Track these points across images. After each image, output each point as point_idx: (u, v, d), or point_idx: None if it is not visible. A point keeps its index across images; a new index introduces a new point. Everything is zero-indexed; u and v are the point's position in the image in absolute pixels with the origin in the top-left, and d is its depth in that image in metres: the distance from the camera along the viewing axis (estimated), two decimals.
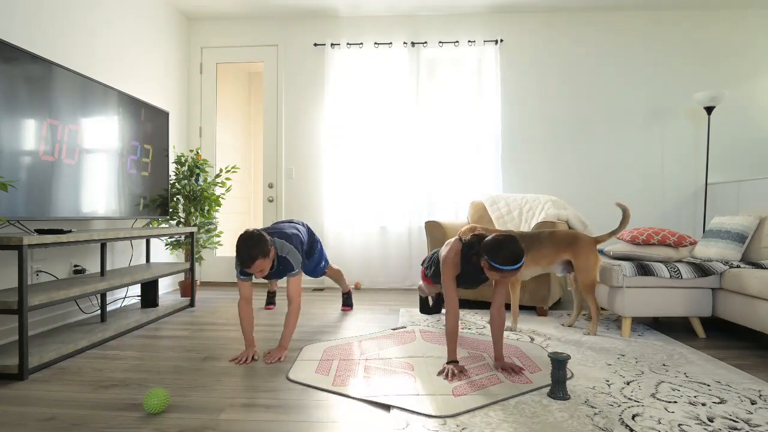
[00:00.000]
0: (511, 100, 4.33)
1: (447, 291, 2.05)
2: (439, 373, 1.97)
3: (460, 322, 2.93)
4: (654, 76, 4.25)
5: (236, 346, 2.42)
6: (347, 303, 3.35)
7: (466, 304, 3.53)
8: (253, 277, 2.26)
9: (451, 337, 2.01)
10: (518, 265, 1.86)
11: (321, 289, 4.24)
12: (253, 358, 2.19)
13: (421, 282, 2.92)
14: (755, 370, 2.09)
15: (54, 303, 2.10)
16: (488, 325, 2.84)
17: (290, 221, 2.81)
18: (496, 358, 2.05)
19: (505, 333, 2.67)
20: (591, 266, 2.60)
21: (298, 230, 2.54)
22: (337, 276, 3.25)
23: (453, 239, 2.16)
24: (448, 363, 1.99)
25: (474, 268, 2.06)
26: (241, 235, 2.12)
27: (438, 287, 2.77)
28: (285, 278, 2.34)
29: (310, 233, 2.87)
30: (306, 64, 4.43)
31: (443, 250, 2.15)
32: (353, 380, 1.91)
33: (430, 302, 3.18)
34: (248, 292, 2.27)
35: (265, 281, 4.54)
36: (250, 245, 2.07)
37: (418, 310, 3.31)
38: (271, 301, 3.41)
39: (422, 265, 2.64)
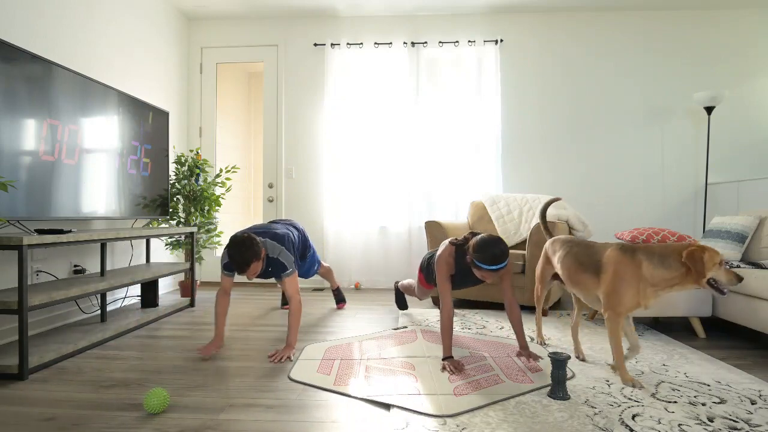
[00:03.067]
0: (511, 100, 4.33)
1: (441, 289, 2.11)
2: (443, 370, 2.01)
3: (460, 322, 2.94)
4: (654, 75, 4.25)
5: (236, 346, 2.42)
6: (340, 299, 3.38)
7: (467, 304, 3.53)
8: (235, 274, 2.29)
9: (446, 333, 2.06)
10: (500, 266, 1.93)
11: (321, 289, 4.23)
12: (214, 352, 2.24)
13: (413, 282, 2.93)
14: (755, 370, 2.09)
15: (54, 303, 2.10)
16: (487, 326, 2.84)
17: (286, 222, 2.81)
18: (521, 347, 2.11)
19: (502, 333, 2.67)
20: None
21: (290, 230, 2.54)
22: (328, 273, 3.29)
23: (445, 241, 2.22)
24: (444, 359, 2.04)
25: (469, 268, 2.13)
26: (232, 240, 2.13)
27: (434, 291, 2.76)
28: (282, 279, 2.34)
29: (304, 237, 2.87)
30: (306, 64, 4.43)
31: (439, 249, 2.22)
32: (354, 380, 1.91)
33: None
34: (229, 285, 2.32)
35: (266, 281, 4.54)
36: (242, 250, 2.09)
37: (418, 310, 3.31)
38: (341, 298, 3.40)
39: (421, 271, 2.64)
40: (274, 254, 2.29)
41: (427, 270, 2.58)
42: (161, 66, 3.98)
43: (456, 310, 3.28)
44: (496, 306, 3.43)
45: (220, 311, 2.30)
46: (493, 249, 1.92)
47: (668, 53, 4.24)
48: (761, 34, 4.19)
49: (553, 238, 2.31)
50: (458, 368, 1.99)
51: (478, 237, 2.00)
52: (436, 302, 3.51)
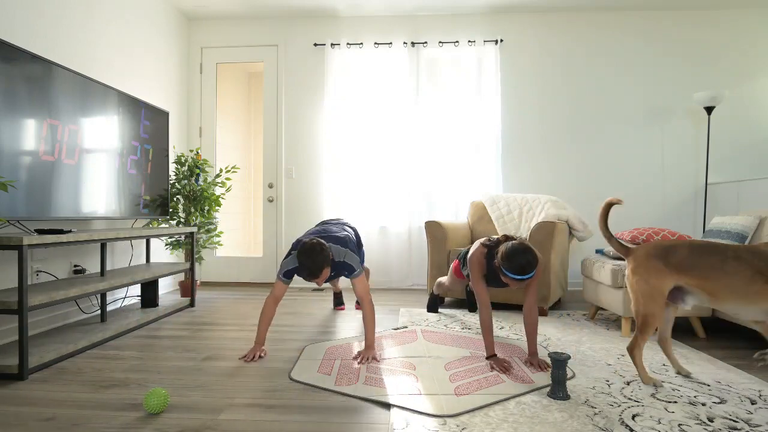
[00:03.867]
0: (511, 100, 4.33)
1: (476, 288, 2.13)
2: (491, 370, 2.01)
3: (460, 322, 2.94)
4: (654, 75, 4.25)
5: (236, 346, 2.42)
6: (340, 302, 3.37)
7: (467, 304, 3.53)
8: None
9: (487, 330, 2.07)
10: (526, 276, 1.91)
11: (321, 290, 4.24)
12: (260, 356, 2.21)
13: (444, 279, 2.95)
14: (755, 370, 2.09)
15: (54, 303, 2.10)
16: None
17: (336, 222, 2.76)
18: (530, 353, 2.10)
19: (502, 333, 2.67)
20: None
21: (347, 231, 2.53)
22: None
23: (477, 241, 2.22)
24: (488, 358, 2.06)
25: (496, 271, 2.12)
26: (303, 248, 2.10)
27: (465, 281, 2.77)
28: (347, 280, 2.34)
29: (357, 234, 2.83)
30: (306, 64, 4.43)
31: (471, 248, 2.24)
32: (355, 380, 1.91)
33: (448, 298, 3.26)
34: (282, 293, 2.29)
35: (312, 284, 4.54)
36: (314, 256, 2.07)
37: (418, 309, 3.31)
38: (339, 301, 3.39)
39: (458, 259, 2.66)
40: (340, 258, 2.26)
41: (463, 261, 2.59)
42: (161, 66, 3.98)
43: (456, 311, 3.28)
44: (495, 306, 3.43)
45: (267, 318, 2.26)
46: (520, 259, 1.89)
47: (668, 53, 4.24)
48: (761, 34, 4.19)
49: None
50: (506, 368, 1.98)
51: (509, 244, 1.97)
52: (430, 308, 3.48)
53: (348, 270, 2.28)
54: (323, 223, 2.73)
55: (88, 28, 3.07)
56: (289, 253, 2.28)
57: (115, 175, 2.90)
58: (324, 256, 2.09)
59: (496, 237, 2.16)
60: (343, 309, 3.36)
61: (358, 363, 2.13)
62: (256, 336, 2.27)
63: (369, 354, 2.18)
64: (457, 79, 4.30)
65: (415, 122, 4.28)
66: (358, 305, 3.35)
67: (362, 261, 2.95)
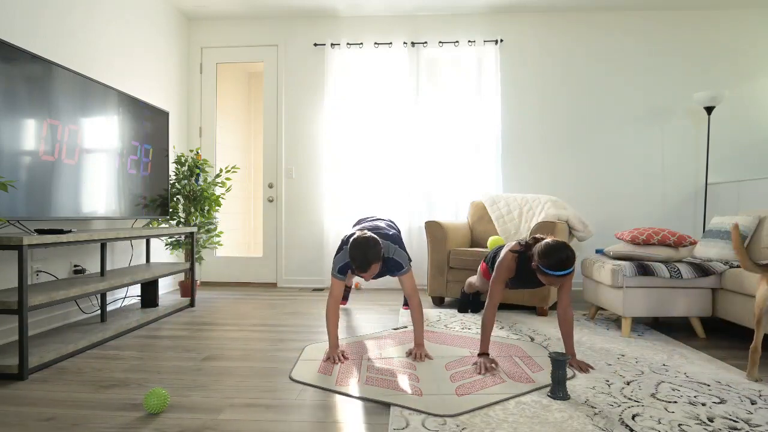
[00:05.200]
0: (511, 100, 4.33)
1: (494, 288, 2.11)
2: (473, 365, 2.02)
3: (461, 322, 2.94)
4: (654, 75, 4.25)
5: (236, 346, 2.42)
6: (344, 297, 3.37)
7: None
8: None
9: (486, 329, 2.06)
10: (566, 272, 1.90)
11: (321, 289, 4.23)
12: (343, 356, 2.19)
13: (474, 279, 2.95)
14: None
15: (54, 303, 2.10)
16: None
17: (383, 219, 2.72)
18: (571, 356, 2.09)
19: (502, 333, 2.67)
20: None
21: (396, 230, 2.50)
22: None
23: (506, 248, 2.21)
24: (479, 355, 2.05)
25: (532, 272, 2.11)
26: (357, 240, 2.07)
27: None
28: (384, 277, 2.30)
29: (399, 232, 2.81)
30: (306, 64, 4.43)
31: (501, 254, 2.22)
32: (355, 380, 1.91)
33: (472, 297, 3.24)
34: (341, 292, 2.26)
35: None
36: (366, 250, 2.03)
37: None
38: (345, 296, 3.38)
39: (486, 262, 2.67)
40: (389, 254, 2.24)
41: (492, 264, 2.59)
42: (161, 66, 3.98)
43: (456, 311, 3.28)
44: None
45: (334, 320, 2.21)
46: (559, 254, 1.90)
47: (668, 53, 4.24)
48: (761, 34, 4.19)
49: None
50: (489, 369, 1.98)
51: (543, 243, 1.97)
52: (437, 302, 3.51)
53: (396, 267, 2.25)
54: (363, 220, 2.68)
55: (88, 28, 3.07)
56: (340, 248, 2.24)
57: (115, 175, 2.90)
58: (377, 251, 2.05)
59: (524, 240, 2.13)
60: (344, 304, 3.36)
61: (413, 360, 2.16)
62: (329, 340, 2.21)
63: (420, 351, 2.19)
64: (457, 79, 4.30)
65: (415, 122, 4.28)
66: (406, 305, 3.33)
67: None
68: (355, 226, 2.58)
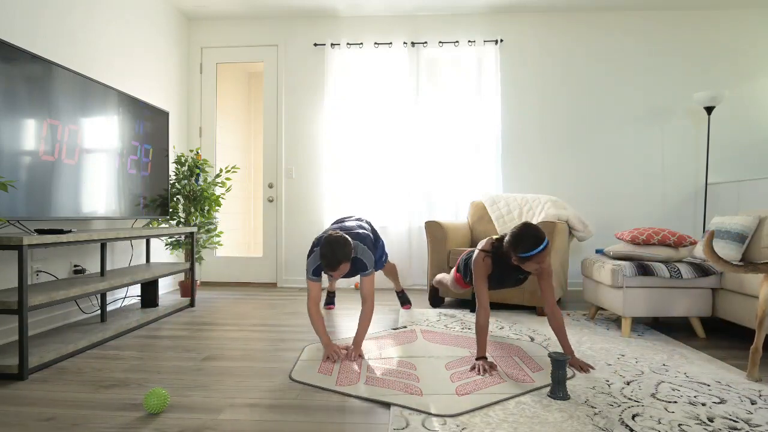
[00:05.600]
0: (511, 100, 4.33)
1: (478, 290, 2.11)
2: (471, 369, 2.01)
3: (461, 323, 2.94)
4: (654, 75, 4.25)
5: (236, 346, 2.42)
6: (405, 301, 3.34)
7: (467, 304, 3.53)
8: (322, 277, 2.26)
9: (481, 333, 2.05)
10: (543, 245, 1.91)
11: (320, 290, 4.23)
12: (344, 352, 2.20)
13: (447, 278, 2.97)
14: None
15: (54, 303, 2.10)
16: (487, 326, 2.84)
17: (357, 219, 2.73)
18: (570, 355, 2.09)
19: (502, 333, 2.67)
20: None
21: (367, 230, 2.51)
22: (392, 272, 3.22)
23: (478, 247, 2.20)
24: (477, 359, 2.04)
25: (510, 269, 2.12)
26: (328, 239, 2.08)
27: (471, 288, 2.78)
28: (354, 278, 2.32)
29: (374, 230, 2.80)
30: (306, 64, 4.43)
31: (473, 256, 2.22)
32: (355, 380, 1.91)
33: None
34: (318, 292, 2.27)
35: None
36: (336, 249, 2.05)
37: (418, 309, 3.30)
38: (330, 300, 3.39)
39: (458, 271, 2.67)
40: (357, 253, 2.25)
41: (464, 270, 2.60)
42: (161, 66, 3.98)
43: (456, 311, 3.28)
44: (495, 306, 3.43)
45: (318, 321, 2.23)
46: (528, 234, 1.92)
47: (668, 53, 4.24)
48: (761, 34, 4.19)
49: None
50: (487, 371, 1.98)
51: (509, 235, 1.99)
52: (437, 303, 3.51)
53: (362, 268, 2.27)
54: (339, 221, 2.70)
55: (88, 28, 3.07)
56: (311, 251, 2.25)
57: (115, 175, 2.90)
58: (346, 250, 2.07)
59: (491, 239, 2.15)
60: (332, 308, 3.37)
61: (344, 358, 2.17)
62: (321, 340, 2.23)
63: (356, 352, 2.19)
64: (457, 79, 4.29)
65: (415, 122, 4.28)
66: (406, 305, 3.35)
67: (383, 251, 2.92)
68: (333, 224, 2.59)
